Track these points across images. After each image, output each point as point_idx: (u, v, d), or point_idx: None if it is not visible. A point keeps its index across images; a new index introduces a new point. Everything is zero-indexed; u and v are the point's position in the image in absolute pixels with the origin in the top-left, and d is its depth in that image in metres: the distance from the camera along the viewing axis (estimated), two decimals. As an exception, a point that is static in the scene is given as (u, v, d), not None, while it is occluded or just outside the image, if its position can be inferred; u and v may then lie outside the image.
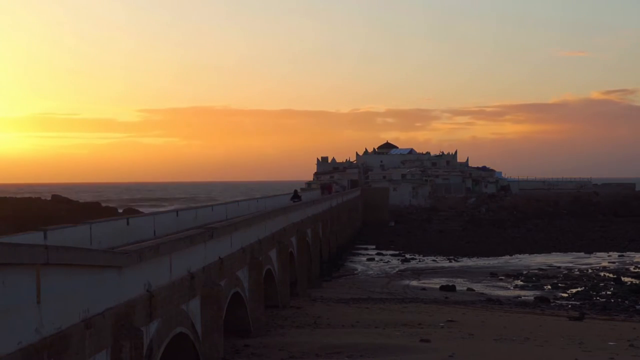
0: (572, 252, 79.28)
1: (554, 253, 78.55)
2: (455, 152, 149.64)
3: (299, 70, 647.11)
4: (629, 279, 57.30)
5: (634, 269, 64.42)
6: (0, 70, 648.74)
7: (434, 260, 74.02)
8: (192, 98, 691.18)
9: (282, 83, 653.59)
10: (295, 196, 57.43)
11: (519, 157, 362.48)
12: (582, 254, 77.52)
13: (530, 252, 78.91)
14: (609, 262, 70.02)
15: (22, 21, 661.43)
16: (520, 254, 78.18)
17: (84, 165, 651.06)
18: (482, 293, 50.65)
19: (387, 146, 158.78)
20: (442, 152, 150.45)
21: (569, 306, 44.93)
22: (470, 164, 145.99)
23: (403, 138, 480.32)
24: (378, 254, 79.68)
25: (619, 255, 75.30)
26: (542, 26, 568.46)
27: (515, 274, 60.79)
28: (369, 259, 74.76)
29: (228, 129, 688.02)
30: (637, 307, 44.59)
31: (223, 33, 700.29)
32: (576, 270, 63.79)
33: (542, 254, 77.38)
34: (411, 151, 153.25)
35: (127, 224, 24.92)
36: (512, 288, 54.18)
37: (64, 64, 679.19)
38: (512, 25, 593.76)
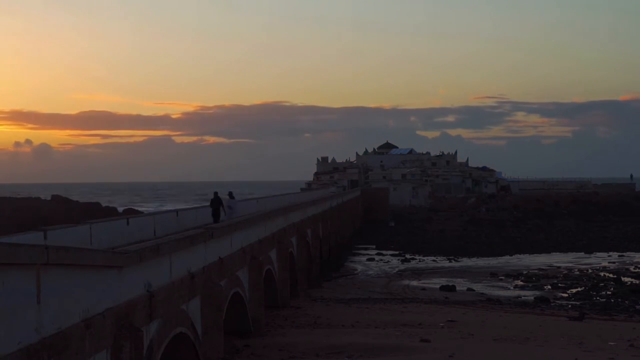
0: (572, 252, 79.31)
1: (554, 253, 78.56)
2: (455, 152, 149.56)
3: (364, 69, 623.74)
4: (629, 279, 57.29)
5: (634, 269, 64.41)
6: (53, 68, 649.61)
7: (434, 260, 74.00)
8: (256, 94, 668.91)
9: (350, 80, 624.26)
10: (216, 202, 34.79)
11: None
12: (582, 254, 77.53)
13: (530, 252, 78.92)
14: (609, 262, 70.03)
15: (75, 19, 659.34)
16: (520, 254, 78.18)
17: (122, 164, 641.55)
18: (482, 293, 50.64)
19: (387, 146, 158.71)
20: (442, 152, 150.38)
21: (569, 306, 44.91)
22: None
23: (467, 136, 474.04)
24: (378, 254, 79.65)
25: (619, 255, 75.31)
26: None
27: (515, 274, 60.78)
28: (369, 259, 74.74)
29: (287, 127, 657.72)
30: (637, 307, 44.58)
31: (292, 31, 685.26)
32: (576, 270, 63.78)
33: (542, 254, 77.39)
34: (411, 151, 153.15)
35: (127, 224, 24.92)
36: (512, 288, 54.17)
37: (121, 60, 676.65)
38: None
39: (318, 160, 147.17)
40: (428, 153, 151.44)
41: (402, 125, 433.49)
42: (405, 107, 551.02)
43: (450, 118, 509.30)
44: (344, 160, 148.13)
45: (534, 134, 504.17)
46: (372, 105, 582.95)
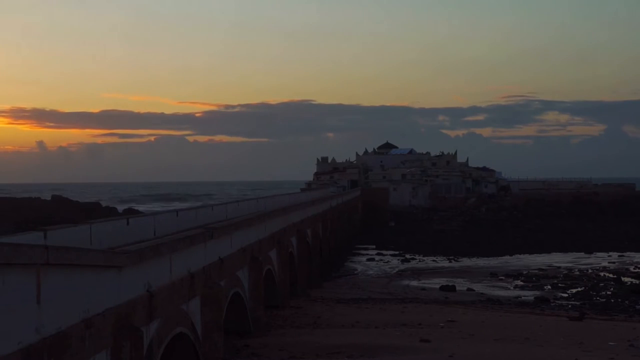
0: (572, 252, 79.30)
1: (554, 253, 78.56)
2: (455, 152, 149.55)
3: (394, 68, 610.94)
4: (629, 279, 57.32)
5: (634, 269, 64.44)
6: (81, 67, 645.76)
7: (434, 260, 74.00)
8: (285, 92, 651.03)
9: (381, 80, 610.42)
10: None
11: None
12: (582, 254, 77.54)
13: (530, 252, 78.91)
14: (609, 262, 70.04)
15: (102, 18, 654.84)
16: (520, 254, 78.18)
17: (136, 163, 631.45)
18: (482, 293, 50.65)
19: (387, 146, 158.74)
20: (442, 152, 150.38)
21: (569, 306, 44.93)
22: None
23: (494, 135, 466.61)
24: (378, 254, 79.63)
25: (619, 255, 75.33)
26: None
27: (515, 274, 60.79)
28: (369, 259, 74.74)
29: (310, 125, 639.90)
30: (637, 307, 44.60)
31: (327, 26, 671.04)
32: (576, 270, 63.79)
33: (542, 254, 77.39)
34: (411, 151, 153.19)
35: (127, 224, 24.90)
36: (512, 288, 54.17)
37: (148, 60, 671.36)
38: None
39: (318, 160, 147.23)
40: (428, 153, 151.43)
41: (431, 124, 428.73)
42: (433, 106, 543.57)
43: (480, 117, 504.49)
44: (344, 160, 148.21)
45: (563, 134, 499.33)
46: (399, 103, 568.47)
